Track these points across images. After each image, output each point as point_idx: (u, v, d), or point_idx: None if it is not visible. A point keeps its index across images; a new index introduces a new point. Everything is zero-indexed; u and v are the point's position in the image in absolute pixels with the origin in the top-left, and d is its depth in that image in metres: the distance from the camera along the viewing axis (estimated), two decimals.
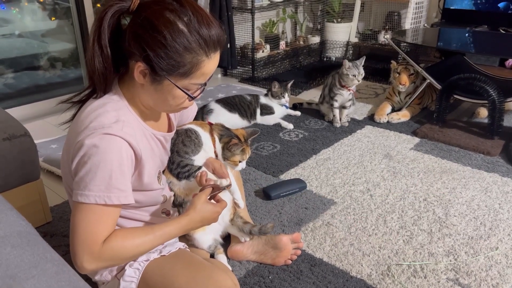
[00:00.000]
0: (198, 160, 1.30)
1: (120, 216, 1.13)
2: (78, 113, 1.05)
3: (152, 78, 0.97)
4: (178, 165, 1.27)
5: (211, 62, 0.98)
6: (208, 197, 1.15)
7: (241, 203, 1.41)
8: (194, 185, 1.28)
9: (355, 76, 2.50)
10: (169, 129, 1.22)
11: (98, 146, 0.93)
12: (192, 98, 1.02)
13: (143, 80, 0.98)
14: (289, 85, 2.73)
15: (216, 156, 1.35)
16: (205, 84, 1.03)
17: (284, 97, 2.68)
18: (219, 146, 1.34)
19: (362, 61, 2.53)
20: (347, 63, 2.50)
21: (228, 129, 1.39)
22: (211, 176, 1.26)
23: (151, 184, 1.12)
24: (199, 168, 1.29)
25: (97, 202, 0.93)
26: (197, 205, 1.09)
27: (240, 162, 1.36)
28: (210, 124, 1.38)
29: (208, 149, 1.33)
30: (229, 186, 1.25)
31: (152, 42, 0.92)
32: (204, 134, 1.33)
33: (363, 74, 2.53)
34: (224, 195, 1.41)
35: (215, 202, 1.16)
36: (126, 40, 0.95)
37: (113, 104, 1.01)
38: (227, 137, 1.34)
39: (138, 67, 0.95)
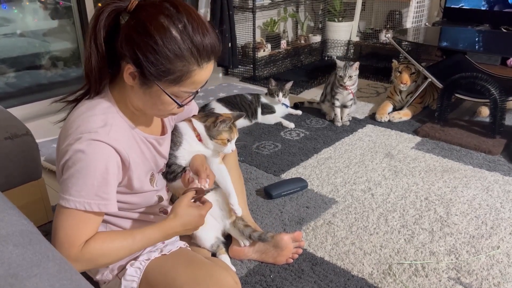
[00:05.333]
0: (182, 155, 1.26)
1: (117, 216, 1.13)
2: (69, 114, 1.04)
3: (141, 82, 0.96)
4: (166, 165, 1.25)
5: (203, 72, 0.97)
6: (193, 200, 1.11)
7: (238, 209, 1.39)
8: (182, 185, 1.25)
9: (341, 77, 2.50)
10: (163, 132, 1.20)
11: (84, 151, 0.93)
12: (180, 106, 1.01)
13: (133, 82, 0.97)
14: (287, 86, 2.67)
15: (200, 140, 1.30)
16: (196, 92, 1.01)
17: (277, 96, 2.63)
18: (201, 127, 1.29)
19: (353, 64, 2.50)
20: (339, 63, 2.53)
21: (212, 113, 1.35)
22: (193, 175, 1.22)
23: (142, 187, 1.11)
24: (184, 168, 1.25)
25: (77, 207, 0.93)
26: (177, 210, 1.06)
27: (228, 141, 1.30)
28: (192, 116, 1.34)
29: (189, 138, 1.28)
30: (207, 190, 1.18)
31: (143, 46, 0.91)
32: (181, 124, 1.30)
33: (352, 78, 2.51)
34: (222, 196, 1.41)
35: (200, 204, 1.11)
36: (118, 41, 0.94)
37: (102, 107, 1.00)
38: (214, 117, 1.30)
39: (128, 69, 0.95)
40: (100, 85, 1.01)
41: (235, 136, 1.34)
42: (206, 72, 0.98)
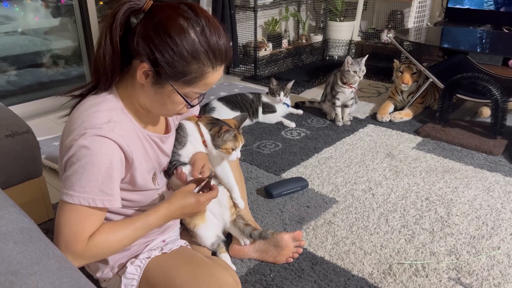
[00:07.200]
0: (186, 154, 1.27)
1: (119, 214, 1.13)
2: (74, 109, 1.05)
3: (154, 80, 0.97)
4: (169, 162, 1.26)
5: (216, 74, 0.99)
6: (198, 191, 1.14)
7: (241, 203, 1.40)
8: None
9: (356, 72, 2.50)
10: (167, 131, 1.21)
11: (88, 147, 0.93)
12: (191, 106, 1.02)
13: (145, 80, 0.98)
14: (289, 85, 2.69)
15: (206, 145, 1.31)
16: (204, 93, 1.03)
17: (279, 96, 2.64)
18: (207, 134, 1.30)
19: (364, 59, 2.53)
20: (349, 59, 2.51)
21: (218, 119, 1.37)
22: (186, 170, 1.24)
23: (146, 185, 1.11)
24: (181, 164, 1.25)
25: (81, 203, 0.94)
26: (177, 194, 1.09)
27: (233, 149, 1.32)
28: (198, 117, 1.36)
29: (194, 140, 1.29)
30: (208, 177, 1.20)
31: (161, 46, 0.92)
32: (188, 125, 1.30)
33: (364, 71, 2.54)
34: (222, 194, 1.41)
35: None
36: (134, 39, 0.95)
37: (107, 103, 1.00)
38: (217, 126, 1.31)
39: (142, 68, 0.95)
40: (111, 83, 1.02)
41: (240, 144, 1.35)
42: (218, 74, 1.00)
